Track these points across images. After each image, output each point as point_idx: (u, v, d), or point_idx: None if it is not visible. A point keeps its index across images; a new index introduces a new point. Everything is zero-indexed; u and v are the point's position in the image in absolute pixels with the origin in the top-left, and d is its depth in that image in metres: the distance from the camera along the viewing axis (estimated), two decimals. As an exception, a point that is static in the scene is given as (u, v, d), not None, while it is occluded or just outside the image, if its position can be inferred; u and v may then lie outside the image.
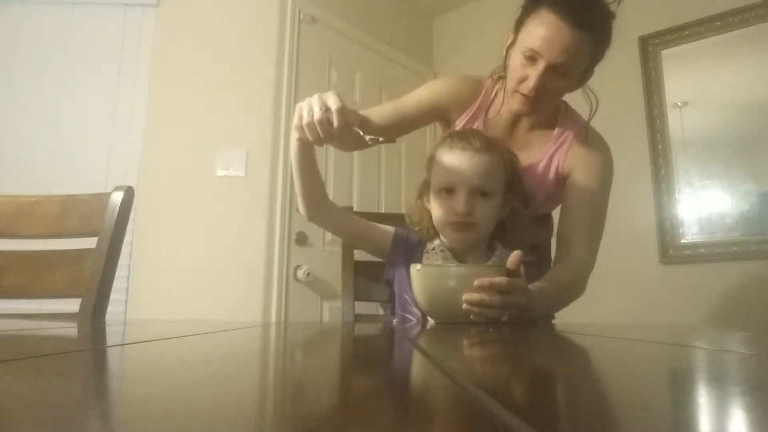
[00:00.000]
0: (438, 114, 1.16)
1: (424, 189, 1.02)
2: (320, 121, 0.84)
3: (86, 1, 2.32)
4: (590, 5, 0.98)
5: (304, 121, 0.86)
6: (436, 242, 0.99)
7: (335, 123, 0.84)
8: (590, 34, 0.98)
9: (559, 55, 0.97)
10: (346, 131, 0.87)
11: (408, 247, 1.03)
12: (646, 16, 2.39)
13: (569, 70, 1.00)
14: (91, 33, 2.32)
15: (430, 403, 0.21)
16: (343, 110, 0.85)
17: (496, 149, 0.97)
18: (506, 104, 1.10)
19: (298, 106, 0.88)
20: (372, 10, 2.87)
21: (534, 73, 0.99)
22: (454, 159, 0.94)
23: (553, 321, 1.06)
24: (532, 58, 0.99)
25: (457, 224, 0.93)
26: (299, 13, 2.42)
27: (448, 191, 0.95)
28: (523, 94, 1.02)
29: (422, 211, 1.02)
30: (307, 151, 0.96)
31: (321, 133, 0.86)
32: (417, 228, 1.02)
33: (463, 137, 0.96)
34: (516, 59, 1.02)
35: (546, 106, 1.07)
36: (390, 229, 1.06)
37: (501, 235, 1.00)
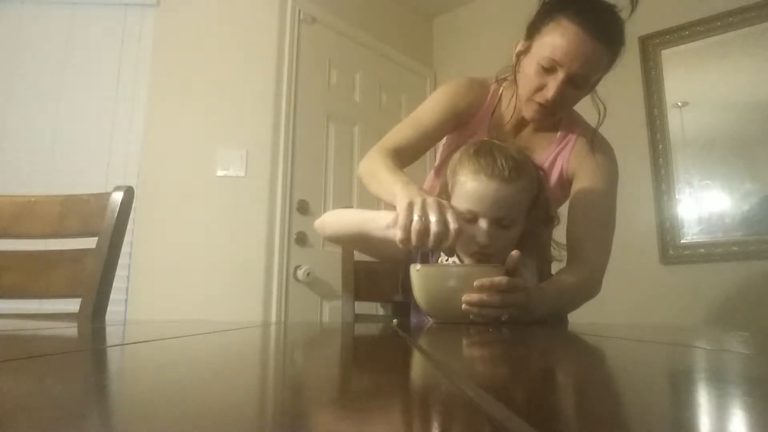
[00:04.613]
0: (455, 122, 1.15)
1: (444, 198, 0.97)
2: (437, 235, 0.80)
3: (86, 1, 2.32)
4: (609, 17, 0.98)
5: (415, 227, 0.80)
6: (453, 258, 0.96)
7: (449, 241, 0.80)
8: (609, 46, 0.97)
9: (580, 66, 0.96)
10: (451, 251, 0.85)
11: (423, 254, 1.01)
12: (646, 16, 2.38)
13: (586, 81, 0.99)
14: (91, 33, 2.32)
15: (430, 404, 0.21)
16: (460, 231, 0.81)
17: (525, 172, 0.90)
18: (518, 111, 1.10)
19: (407, 204, 0.82)
20: (372, 11, 2.87)
21: (553, 83, 0.98)
22: (480, 187, 0.87)
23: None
24: (551, 67, 0.98)
25: (477, 255, 0.89)
26: (299, 13, 2.42)
27: (470, 219, 0.89)
28: (539, 103, 1.02)
29: None
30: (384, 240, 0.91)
31: (431, 245, 0.81)
32: None
33: (493, 161, 0.87)
34: (531, 68, 1.01)
35: (558, 115, 1.07)
36: None
37: (519, 246, 0.98)
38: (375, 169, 1.01)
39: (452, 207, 0.83)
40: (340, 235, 1.01)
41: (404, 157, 1.08)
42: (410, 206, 0.82)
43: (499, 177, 0.86)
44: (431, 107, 1.13)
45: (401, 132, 1.11)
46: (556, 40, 0.97)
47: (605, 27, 0.97)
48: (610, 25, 0.98)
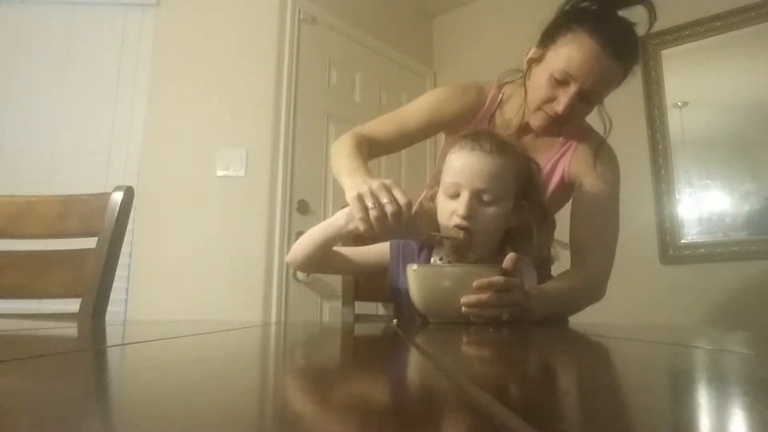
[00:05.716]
0: (441, 128, 1.16)
1: (434, 188, 0.99)
2: (393, 214, 0.83)
3: (86, 1, 2.32)
4: (627, 34, 0.98)
5: (373, 214, 0.83)
6: (443, 254, 0.96)
7: (405, 217, 0.83)
8: (624, 63, 0.97)
9: (593, 82, 0.96)
10: (411, 225, 0.87)
11: (406, 254, 1.01)
12: (646, 16, 2.38)
13: (597, 97, 1.00)
14: (91, 33, 2.32)
15: (430, 403, 0.21)
16: (411, 203, 0.84)
17: (509, 152, 0.91)
18: (524, 118, 1.09)
19: (356, 196, 0.84)
20: (372, 10, 2.87)
21: (564, 97, 0.98)
22: (462, 160, 0.90)
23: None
24: (564, 80, 0.97)
25: (457, 229, 0.89)
26: (299, 13, 2.42)
27: (453, 193, 0.91)
28: (548, 114, 1.02)
29: (426, 211, 0.98)
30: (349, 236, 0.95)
31: (392, 226, 0.83)
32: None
33: (475, 138, 0.92)
34: (543, 77, 1.00)
35: (565, 126, 1.07)
36: (384, 245, 1.03)
37: (511, 242, 0.96)
38: (337, 152, 1.03)
39: (397, 184, 0.86)
40: (309, 254, 0.99)
41: (376, 149, 1.10)
42: (360, 197, 0.85)
43: (480, 149, 0.90)
44: (417, 108, 1.14)
45: (382, 124, 1.12)
46: (572, 53, 0.96)
47: (622, 44, 0.96)
48: (628, 42, 0.98)
